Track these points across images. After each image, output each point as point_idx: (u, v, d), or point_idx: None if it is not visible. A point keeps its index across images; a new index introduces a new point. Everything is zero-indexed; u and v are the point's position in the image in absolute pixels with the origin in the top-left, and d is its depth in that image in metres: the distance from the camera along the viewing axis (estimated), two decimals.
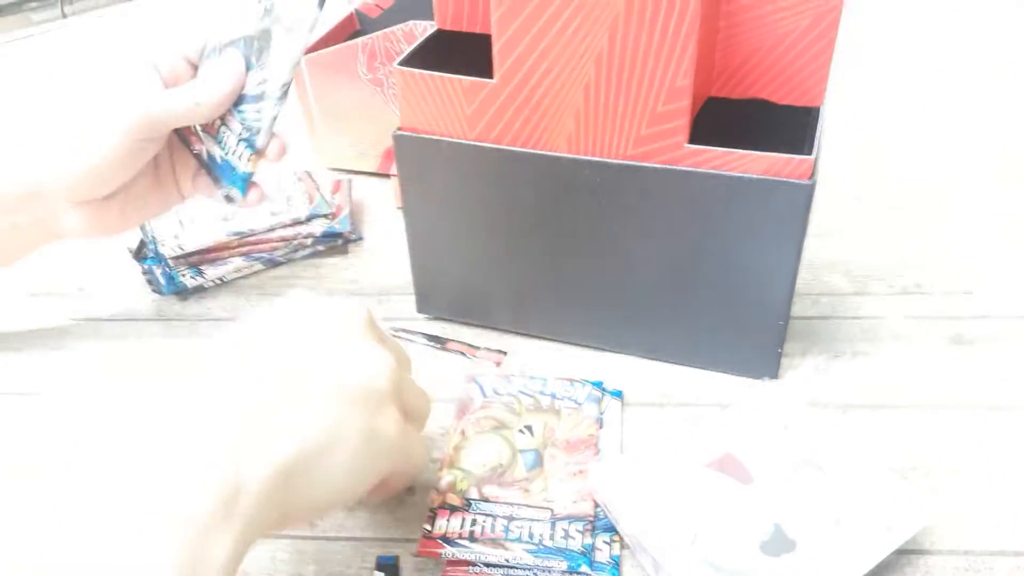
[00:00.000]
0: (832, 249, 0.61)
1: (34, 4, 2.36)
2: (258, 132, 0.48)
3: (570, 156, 0.46)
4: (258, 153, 0.49)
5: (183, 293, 0.61)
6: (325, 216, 0.64)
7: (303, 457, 0.32)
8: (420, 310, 0.57)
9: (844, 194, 0.67)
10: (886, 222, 0.65)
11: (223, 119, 0.49)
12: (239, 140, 0.49)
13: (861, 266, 0.60)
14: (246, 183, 0.50)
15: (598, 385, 0.49)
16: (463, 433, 0.47)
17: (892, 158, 0.74)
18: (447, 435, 0.47)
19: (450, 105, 0.47)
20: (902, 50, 0.92)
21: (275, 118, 0.48)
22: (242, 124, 0.49)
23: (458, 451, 0.46)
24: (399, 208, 0.69)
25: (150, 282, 0.61)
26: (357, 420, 0.34)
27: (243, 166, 0.49)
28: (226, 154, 0.50)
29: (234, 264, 0.62)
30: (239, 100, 0.49)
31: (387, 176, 0.72)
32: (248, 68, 0.48)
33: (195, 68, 0.51)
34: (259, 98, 0.48)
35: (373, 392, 0.36)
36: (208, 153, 0.51)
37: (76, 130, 0.48)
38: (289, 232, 0.63)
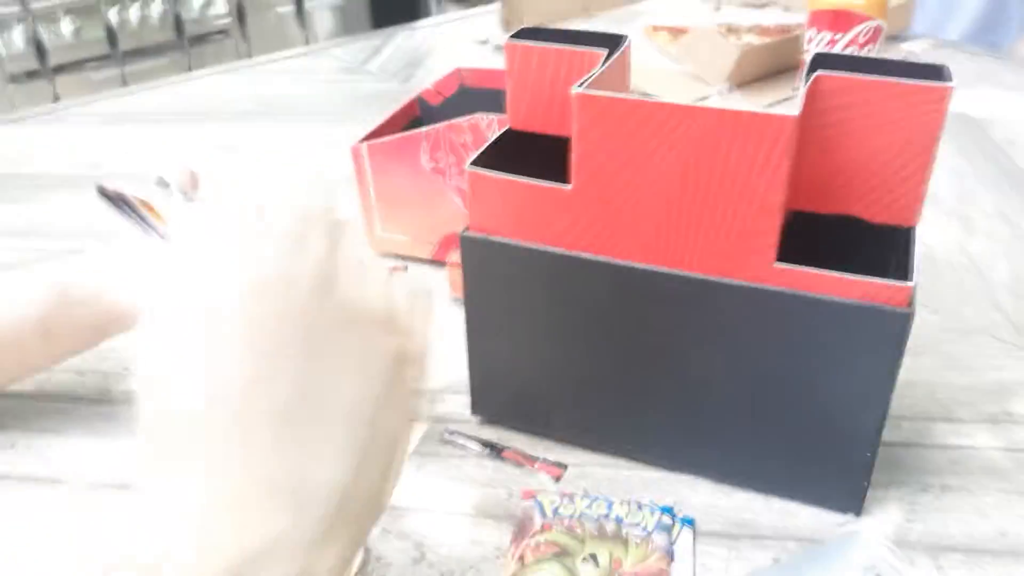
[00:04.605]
0: (912, 369, 0.57)
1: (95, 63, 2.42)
2: None
3: (647, 267, 0.44)
4: None
5: None
6: None
7: None
8: (475, 412, 0.54)
9: (924, 308, 0.64)
10: (975, 344, 0.61)
11: None
12: None
13: (946, 389, 0.56)
14: None
15: (668, 511, 0.46)
16: (522, 559, 0.43)
17: (983, 280, 0.70)
18: (503, 559, 0.44)
19: (522, 209, 0.45)
20: (998, 170, 0.89)
21: None
22: None
23: None
24: (454, 299, 0.66)
25: None
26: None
27: None
28: None
29: None
30: None
31: (443, 264, 0.70)
32: None
33: None
34: None
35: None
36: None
37: None
38: None
